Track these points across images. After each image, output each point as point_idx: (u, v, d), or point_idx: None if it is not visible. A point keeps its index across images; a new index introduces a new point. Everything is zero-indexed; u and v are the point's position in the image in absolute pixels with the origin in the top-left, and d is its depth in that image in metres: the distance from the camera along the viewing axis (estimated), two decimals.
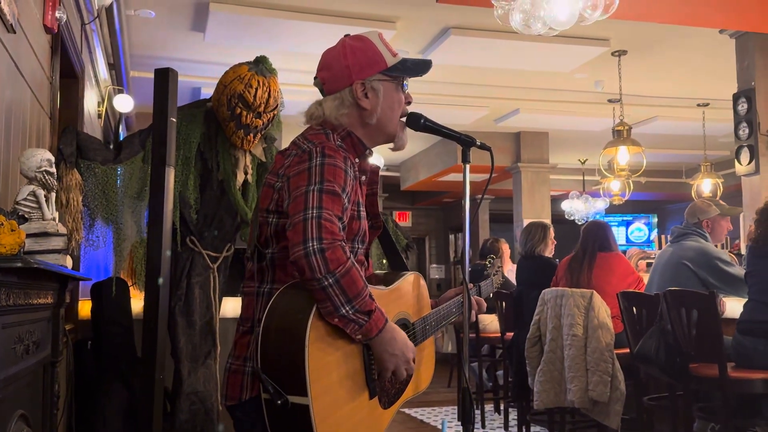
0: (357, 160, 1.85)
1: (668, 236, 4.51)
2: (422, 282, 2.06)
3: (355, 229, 1.80)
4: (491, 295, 2.46)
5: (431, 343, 2.07)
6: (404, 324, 1.90)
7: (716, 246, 4.38)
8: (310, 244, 1.58)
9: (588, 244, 4.64)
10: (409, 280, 2.00)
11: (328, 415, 1.60)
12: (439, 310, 2.06)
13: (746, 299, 3.61)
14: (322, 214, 1.61)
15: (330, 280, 1.58)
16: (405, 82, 1.93)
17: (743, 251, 5.67)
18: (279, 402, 1.57)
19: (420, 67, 1.94)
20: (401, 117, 1.92)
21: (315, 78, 1.92)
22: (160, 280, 3.02)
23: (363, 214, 1.84)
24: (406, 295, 1.96)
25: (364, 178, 1.91)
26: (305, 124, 1.91)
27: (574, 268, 4.63)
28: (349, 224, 1.76)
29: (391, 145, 1.96)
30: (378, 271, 2.06)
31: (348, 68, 1.85)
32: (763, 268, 3.51)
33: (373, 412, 1.76)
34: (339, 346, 1.65)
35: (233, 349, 1.79)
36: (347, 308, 1.60)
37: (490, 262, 2.50)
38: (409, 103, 1.94)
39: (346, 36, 1.93)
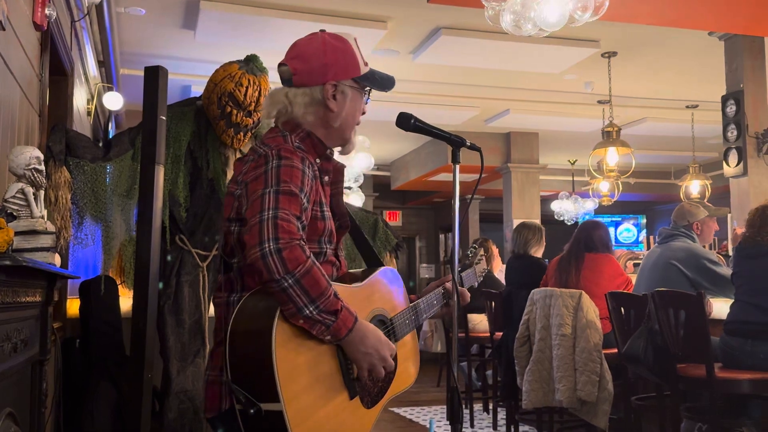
0: (318, 161, 1.83)
1: (656, 237, 4.53)
2: (395, 275, 2.01)
3: (320, 229, 1.77)
4: (476, 284, 2.41)
5: (413, 337, 2.02)
6: (381, 320, 1.85)
7: (704, 247, 4.41)
8: (266, 245, 1.54)
9: (574, 245, 4.66)
10: (380, 275, 1.94)
11: (304, 419, 1.56)
12: (417, 303, 2.01)
13: (733, 300, 3.64)
14: (279, 215, 1.58)
15: (290, 281, 1.54)
16: (368, 95, 1.92)
17: (731, 252, 5.71)
18: (252, 411, 1.52)
19: (385, 82, 1.93)
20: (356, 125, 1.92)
21: (283, 65, 1.87)
22: (160, 285, 3.01)
23: (327, 214, 1.81)
24: (380, 291, 1.92)
25: (327, 178, 1.87)
26: (267, 118, 1.88)
27: (563, 268, 4.64)
28: (313, 225, 1.74)
29: (341, 148, 1.94)
30: (352, 270, 2.00)
31: (326, 66, 1.83)
32: (750, 268, 3.53)
33: (355, 413, 1.72)
34: (310, 346, 1.61)
35: (209, 360, 1.76)
36: (311, 309, 1.56)
37: (471, 251, 2.41)
38: (364, 113, 1.93)
39: (322, 31, 1.90)
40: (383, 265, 2.01)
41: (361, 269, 2.02)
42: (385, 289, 1.94)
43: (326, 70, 1.83)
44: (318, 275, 1.58)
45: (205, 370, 1.77)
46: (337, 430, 1.66)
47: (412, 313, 1.98)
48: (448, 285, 2.08)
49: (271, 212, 1.58)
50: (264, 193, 1.62)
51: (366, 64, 1.89)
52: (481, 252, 2.44)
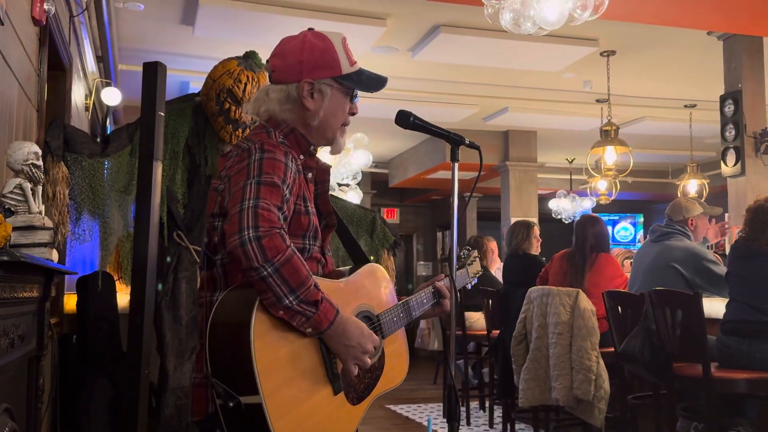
0: (302, 157, 1.82)
1: (649, 234, 4.49)
2: (383, 273, 1.98)
3: (304, 224, 1.76)
4: (469, 285, 2.40)
5: (402, 335, 1.99)
6: (367, 317, 1.83)
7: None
8: (246, 233, 1.53)
9: (579, 243, 4.68)
10: (366, 271, 1.92)
11: (285, 413, 1.54)
12: (408, 301, 1.98)
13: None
14: (259, 204, 1.58)
15: (269, 269, 1.52)
16: (354, 95, 1.88)
17: (728, 251, 5.71)
18: (231, 404, 1.50)
19: (374, 83, 1.90)
20: (343, 125, 1.90)
21: (266, 62, 1.89)
22: (159, 286, 3.00)
23: (311, 209, 1.80)
24: (366, 287, 1.89)
25: (310, 175, 1.86)
26: (254, 114, 1.87)
27: (567, 267, 4.66)
28: (297, 220, 1.73)
29: (329, 148, 1.93)
30: (339, 268, 1.98)
31: (300, 64, 1.82)
32: (745, 268, 3.53)
33: (340, 409, 1.70)
34: (291, 339, 1.59)
35: (195, 362, 1.74)
36: (291, 298, 1.54)
37: (464, 253, 2.40)
38: (353, 114, 1.91)
39: (309, 30, 1.89)
40: (369, 262, 1.99)
41: (348, 267, 1.98)
42: (371, 285, 1.92)
43: (301, 68, 1.81)
44: (298, 264, 1.57)
45: (191, 372, 1.75)
46: (320, 425, 1.64)
47: (401, 310, 1.95)
48: (439, 284, 2.06)
49: (252, 202, 1.58)
50: (246, 184, 1.62)
51: (353, 64, 1.86)
52: (475, 254, 2.42)
